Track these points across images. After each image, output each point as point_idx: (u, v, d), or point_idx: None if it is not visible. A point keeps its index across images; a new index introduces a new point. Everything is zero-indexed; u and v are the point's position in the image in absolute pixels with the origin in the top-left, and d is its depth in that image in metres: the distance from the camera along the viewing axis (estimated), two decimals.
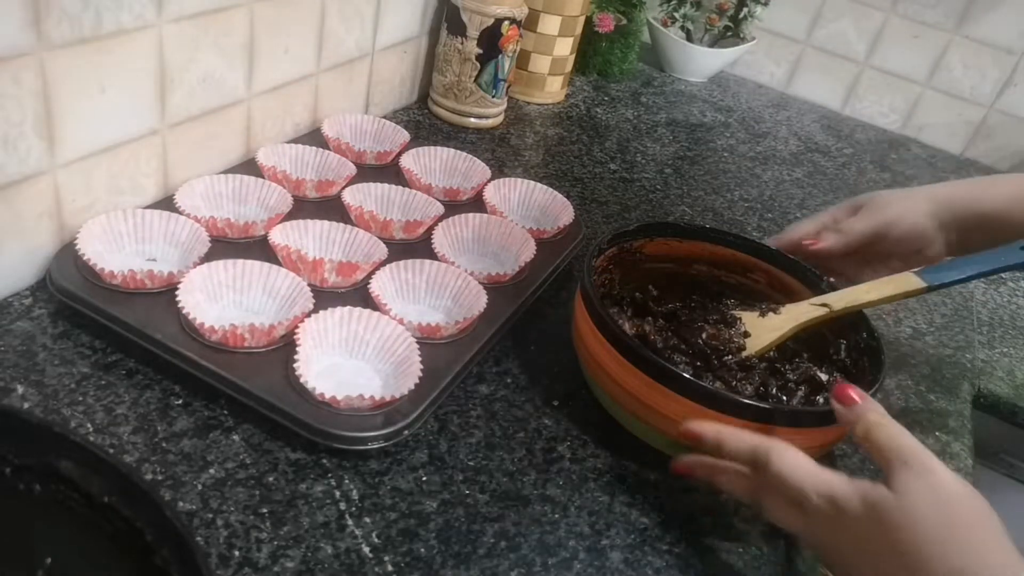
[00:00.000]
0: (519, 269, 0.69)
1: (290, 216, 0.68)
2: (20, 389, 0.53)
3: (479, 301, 0.63)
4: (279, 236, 0.65)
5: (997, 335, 0.87)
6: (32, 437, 0.39)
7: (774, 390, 0.61)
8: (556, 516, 0.53)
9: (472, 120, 1.01)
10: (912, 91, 1.35)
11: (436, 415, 0.58)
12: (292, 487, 0.51)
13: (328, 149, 0.80)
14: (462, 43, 0.95)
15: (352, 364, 0.59)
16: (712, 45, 1.36)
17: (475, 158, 0.84)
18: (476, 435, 0.58)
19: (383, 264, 0.65)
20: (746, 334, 0.64)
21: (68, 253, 0.59)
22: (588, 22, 1.17)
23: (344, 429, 0.52)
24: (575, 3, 1.06)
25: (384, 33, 0.91)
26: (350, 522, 0.49)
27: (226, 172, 0.72)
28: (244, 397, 0.53)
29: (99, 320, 0.56)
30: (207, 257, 0.61)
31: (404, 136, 0.86)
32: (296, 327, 0.57)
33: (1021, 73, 1.27)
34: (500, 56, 0.97)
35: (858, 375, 0.60)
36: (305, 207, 0.71)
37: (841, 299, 0.62)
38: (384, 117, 0.98)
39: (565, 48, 1.10)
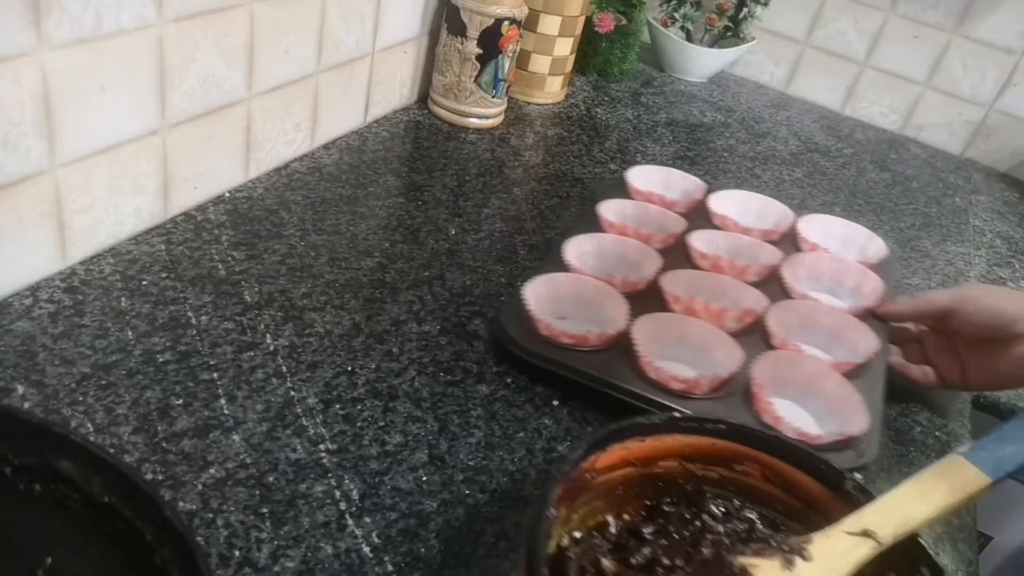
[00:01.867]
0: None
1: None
2: (20, 389, 0.53)
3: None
4: (672, 286, 0.69)
5: None
6: (32, 437, 0.39)
7: None
8: None
9: (472, 120, 1.01)
10: (912, 91, 1.35)
11: (436, 416, 0.58)
12: (292, 487, 0.51)
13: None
14: (462, 43, 0.95)
15: (781, 403, 0.62)
16: (712, 45, 1.36)
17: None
18: (476, 435, 0.58)
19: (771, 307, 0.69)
20: None
21: (512, 312, 0.65)
22: (588, 22, 1.17)
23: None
24: (575, 3, 1.06)
25: (384, 33, 0.91)
26: (350, 522, 0.49)
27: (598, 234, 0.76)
28: None
29: (559, 373, 0.62)
30: (613, 309, 0.65)
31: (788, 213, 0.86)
32: (739, 373, 0.60)
33: (1021, 73, 1.27)
34: (500, 56, 0.97)
35: None
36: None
37: (887, 521, 0.43)
38: (384, 117, 0.99)
39: (565, 48, 1.10)
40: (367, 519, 0.50)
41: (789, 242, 0.81)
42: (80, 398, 0.53)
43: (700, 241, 0.76)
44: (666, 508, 0.48)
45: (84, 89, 0.59)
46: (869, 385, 0.64)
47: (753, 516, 0.48)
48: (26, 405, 0.52)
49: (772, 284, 0.73)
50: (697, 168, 1.06)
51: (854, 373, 0.64)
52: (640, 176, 0.87)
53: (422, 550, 0.49)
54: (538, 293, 0.65)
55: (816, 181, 1.12)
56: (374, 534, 0.49)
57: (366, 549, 0.48)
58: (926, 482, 0.45)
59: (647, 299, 0.68)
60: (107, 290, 0.63)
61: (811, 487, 0.48)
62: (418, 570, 0.47)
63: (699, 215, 0.83)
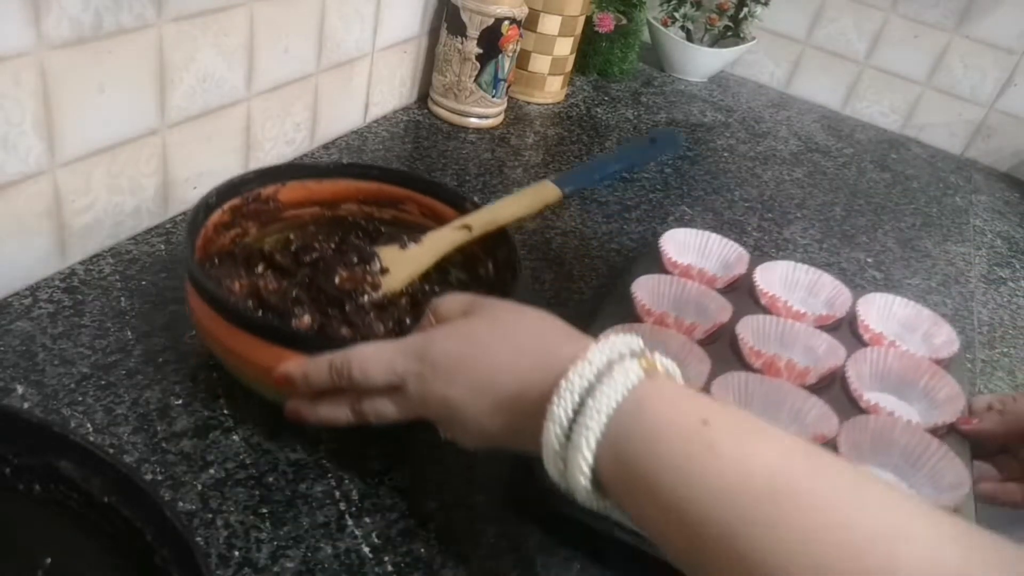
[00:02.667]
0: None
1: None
2: (20, 389, 0.53)
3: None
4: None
5: (997, 335, 0.87)
6: (32, 437, 0.39)
7: (410, 323, 0.57)
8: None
9: (472, 120, 1.01)
10: (912, 91, 1.35)
11: None
12: (292, 487, 0.51)
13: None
14: (462, 43, 0.95)
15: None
16: (712, 45, 1.36)
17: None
18: None
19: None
20: (384, 270, 0.60)
21: None
22: (588, 22, 1.17)
23: None
24: (575, 3, 1.06)
25: (384, 33, 0.91)
26: (350, 522, 0.49)
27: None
28: None
29: None
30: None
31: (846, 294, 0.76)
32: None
33: (1021, 73, 1.27)
34: (500, 56, 0.97)
35: (502, 291, 0.59)
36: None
37: (481, 219, 0.62)
38: (384, 117, 0.99)
39: (565, 48, 1.10)
40: (367, 519, 0.50)
41: (847, 328, 0.72)
42: (80, 398, 0.53)
43: (749, 332, 0.67)
44: (344, 245, 0.63)
45: (84, 89, 0.59)
46: None
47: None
48: (26, 405, 0.52)
49: (835, 388, 0.64)
50: (697, 168, 1.06)
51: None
52: (674, 243, 0.77)
53: (422, 550, 0.49)
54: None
55: (816, 181, 1.12)
56: (374, 534, 0.49)
57: (366, 549, 0.48)
58: (519, 196, 0.64)
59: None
60: (107, 290, 0.63)
61: (451, 216, 0.63)
62: (418, 570, 0.47)
63: (743, 292, 0.73)
